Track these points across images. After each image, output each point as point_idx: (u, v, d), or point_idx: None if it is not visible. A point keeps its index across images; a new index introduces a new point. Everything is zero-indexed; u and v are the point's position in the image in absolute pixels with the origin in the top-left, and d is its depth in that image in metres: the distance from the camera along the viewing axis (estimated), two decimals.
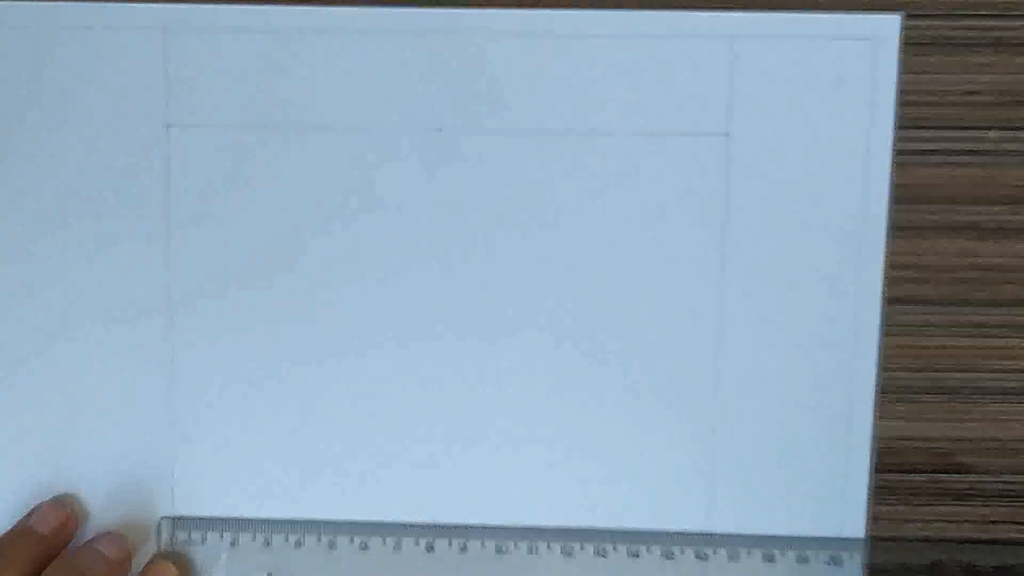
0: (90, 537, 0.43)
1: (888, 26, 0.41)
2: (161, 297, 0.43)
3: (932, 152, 0.42)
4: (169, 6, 0.42)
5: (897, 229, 0.42)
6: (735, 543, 0.43)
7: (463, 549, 0.43)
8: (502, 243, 0.42)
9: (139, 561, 0.43)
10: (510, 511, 0.43)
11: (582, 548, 0.43)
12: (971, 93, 0.42)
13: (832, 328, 0.42)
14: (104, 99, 0.42)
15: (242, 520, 0.43)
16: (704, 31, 0.42)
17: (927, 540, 0.44)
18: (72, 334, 0.43)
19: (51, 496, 0.43)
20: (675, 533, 0.43)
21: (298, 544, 0.43)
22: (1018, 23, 0.41)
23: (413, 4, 0.42)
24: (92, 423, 0.43)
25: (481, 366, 0.43)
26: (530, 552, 0.43)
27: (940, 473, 0.44)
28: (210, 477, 0.43)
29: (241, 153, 0.42)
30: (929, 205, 0.42)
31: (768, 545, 0.43)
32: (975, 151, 0.42)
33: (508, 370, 0.43)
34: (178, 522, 0.43)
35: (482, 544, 0.43)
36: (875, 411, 0.43)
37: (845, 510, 0.43)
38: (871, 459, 0.43)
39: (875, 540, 0.43)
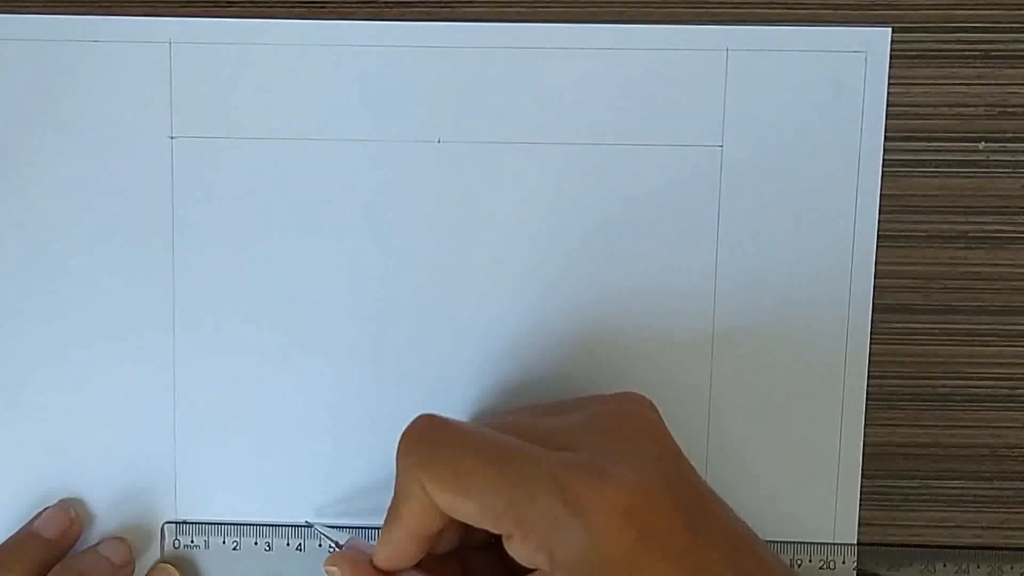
0: (94, 541, 0.44)
1: (879, 39, 0.42)
2: (165, 305, 0.43)
3: (922, 163, 0.43)
4: (174, 20, 0.42)
5: (887, 238, 0.43)
6: None
7: None
8: (501, 252, 0.43)
9: (142, 565, 0.44)
10: None
11: None
12: (960, 105, 0.42)
13: (824, 336, 0.43)
14: (109, 111, 0.43)
15: (244, 525, 0.44)
16: (699, 44, 0.42)
17: (919, 546, 0.44)
18: (76, 342, 0.43)
19: (56, 501, 0.44)
20: None
21: (299, 548, 0.44)
22: (1006, 36, 0.42)
23: (412, 18, 0.42)
24: (96, 429, 0.44)
25: (483, 373, 0.43)
26: None
27: (931, 479, 0.44)
28: (212, 482, 0.44)
29: (244, 164, 0.43)
30: (919, 215, 0.43)
31: None
32: (964, 162, 0.43)
33: (510, 377, 0.43)
34: (181, 527, 0.44)
35: None
36: (866, 418, 0.43)
37: (837, 516, 0.44)
38: (862, 465, 0.43)
39: (867, 546, 0.44)
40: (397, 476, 0.36)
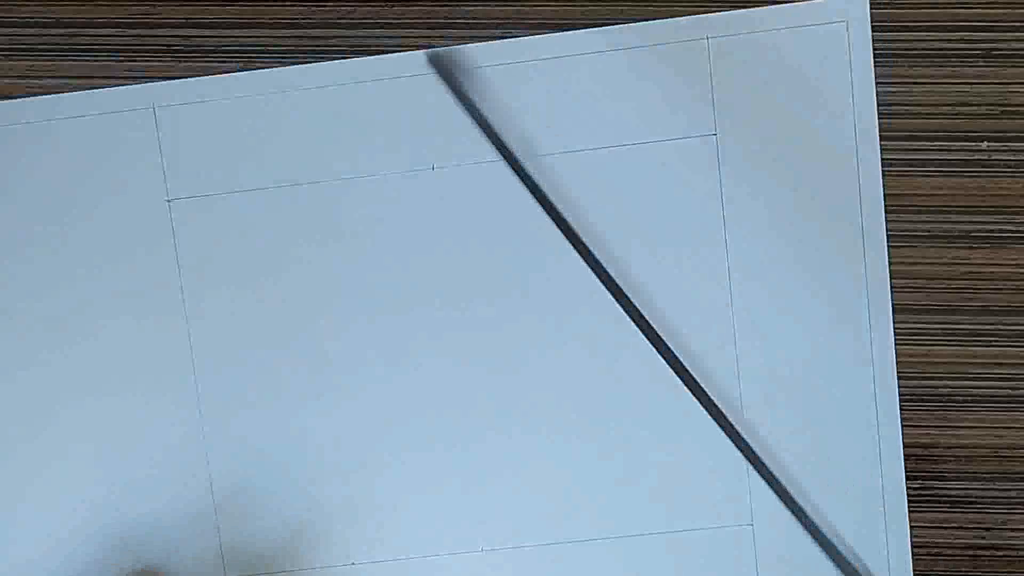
0: None
1: (857, 5, 0.41)
2: (185, 365, 0.44)
3: (924, 162, 0.42)
4: (155, 84, 0.42)
5: (890, 238, 0.43)
6: None
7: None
8: (504, 269, 0.43)
9: None
10: (528, 531, 0.45)
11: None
12: (962, 104, 0.41)
13: (829, 329, 0.43)
14: (104, 182, 0.43)
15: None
16: (678, 36, 0.41)
17: (919, 546, 0.45)
18: (99, 410, 0.44)
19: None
20: None
21: None
22: (1009, 35, 0.40)
23: (394, 49, 0.42)
24: (135, 491, 0.45)
25: (492, 391, 0.44)
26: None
27: (932, 480, 0.45)
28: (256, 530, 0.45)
29: (242, 216, 0.43)
30: (921, 215, 0.42)
31: None
32: (967, 161, 0.42)
33: (520, 389, 0.44)
34: None
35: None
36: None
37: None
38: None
39: None
40: None
